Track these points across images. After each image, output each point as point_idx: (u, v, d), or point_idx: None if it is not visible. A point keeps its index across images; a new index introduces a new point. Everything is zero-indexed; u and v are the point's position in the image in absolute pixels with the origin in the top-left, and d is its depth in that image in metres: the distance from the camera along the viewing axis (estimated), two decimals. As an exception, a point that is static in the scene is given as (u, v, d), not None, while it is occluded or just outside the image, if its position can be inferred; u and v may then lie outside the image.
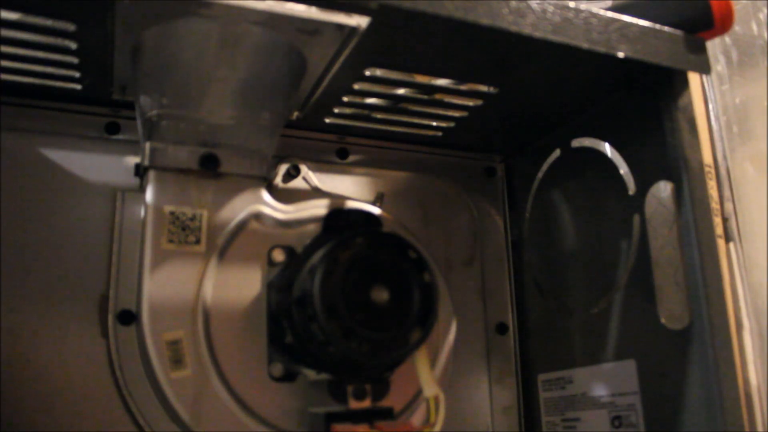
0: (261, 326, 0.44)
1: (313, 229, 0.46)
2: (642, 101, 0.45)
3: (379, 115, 0.51)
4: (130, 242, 0.45)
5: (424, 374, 0.43)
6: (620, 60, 0.41)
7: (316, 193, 0.51)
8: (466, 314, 0.55)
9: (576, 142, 0.52)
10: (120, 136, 0.48)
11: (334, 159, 0.54)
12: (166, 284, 0.42)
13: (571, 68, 0.44)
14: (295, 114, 0.50)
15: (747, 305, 0.51)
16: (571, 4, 0.40)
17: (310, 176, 0.52)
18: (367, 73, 0.44)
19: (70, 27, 0.38)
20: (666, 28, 0.42)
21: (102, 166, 0.47)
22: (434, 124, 0.53)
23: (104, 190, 0.46)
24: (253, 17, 0.38)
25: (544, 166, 0.55)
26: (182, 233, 0.43)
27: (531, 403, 0.54)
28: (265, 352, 0.44)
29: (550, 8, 0.39)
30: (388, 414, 0.43)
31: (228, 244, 0.44)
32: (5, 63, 0.41)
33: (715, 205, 0.42)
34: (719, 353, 0.39)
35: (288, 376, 0.44)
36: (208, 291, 0.43)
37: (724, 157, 0.56)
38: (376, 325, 0.41)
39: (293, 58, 0.43)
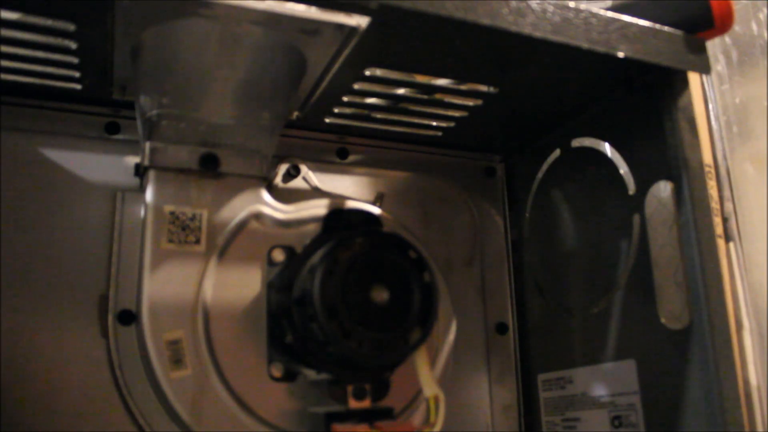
0: (261, 326, 0.44)
1: (313, 229, 0.46)
2: (642, 101, 0.45)
3: (379, 115, 0.51)
4: (130, 242, 0.45)
5: (424, 374, 0.43)
6: (620, 60, 0.41)
7: (316, 193, 0.51)
8: (466, 314, 0.55)
9: (576, 142, 0.52)
10: (120, 136, 0.48)
11: (334, 159, 0.54)
12: (166, 284, 0.42)
13: (571, 68, 0.44)
14: (295, 114, 0.50)
15: (747, 305, 0.51)
16: (571, 4, 0.40)
17: (310, 176, 0.52)
18: (367, 73, 0.44)
19: (70, 27, 0.38)
20: (666, 28, 0.42)
21: (102, 166, 0.47)
22: (434, 124, 0.53)
23: (104, 190, 0.46)
24: (253, 17, 0.38)
25: (544, 166, 0.55)
26: (182, 233, 0.43)
27: (531, 402, 0.54)
28: (265, 352, 0.44)
29: (550, 8, 0.39)
30: (388, 414, 0.43)
31: (228, 244, 0.44)
32: (5, 63, 0.41)
33: (715, 205, 0.42)
34: (719, 353, 0.39)
35: (288, 376, 0.44)
36: (208, 291, 0.43)
37: (724, 157, 0.56)
38: (376, 325, 0.41)
39: (293, 58, 0.43)
